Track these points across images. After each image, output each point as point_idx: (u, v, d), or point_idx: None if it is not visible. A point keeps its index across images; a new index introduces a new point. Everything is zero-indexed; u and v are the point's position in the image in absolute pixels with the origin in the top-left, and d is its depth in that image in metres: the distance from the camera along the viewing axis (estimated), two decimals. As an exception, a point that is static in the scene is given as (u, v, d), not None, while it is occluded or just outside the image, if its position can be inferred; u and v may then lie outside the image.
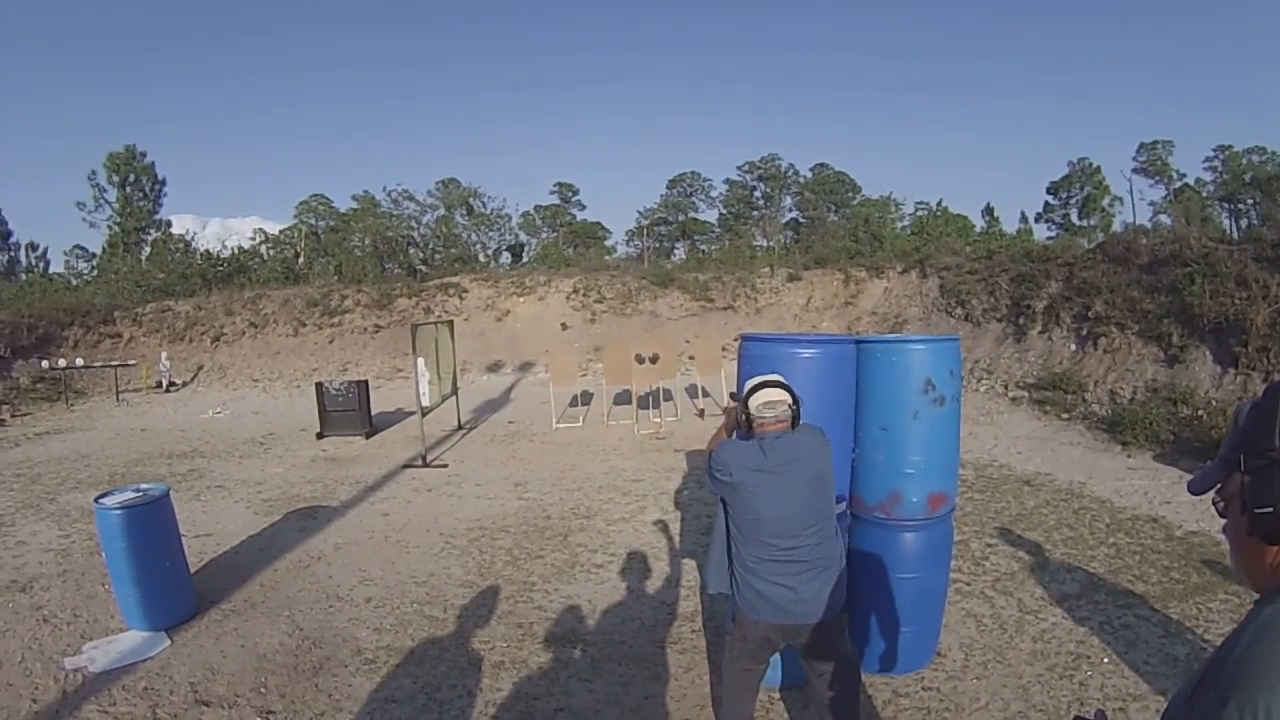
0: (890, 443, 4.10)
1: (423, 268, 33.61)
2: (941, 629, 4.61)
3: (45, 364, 18.72)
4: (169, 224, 43.78)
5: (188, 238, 36.06)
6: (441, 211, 44.06)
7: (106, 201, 42.42)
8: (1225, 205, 55.85)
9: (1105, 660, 4.49)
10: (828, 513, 3.19)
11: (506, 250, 46.59)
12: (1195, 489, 1.42)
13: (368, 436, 12.51)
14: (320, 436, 12.55)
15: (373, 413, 13.17)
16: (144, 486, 5.57)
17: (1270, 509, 1.20)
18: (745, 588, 3.17)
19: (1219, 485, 1.35)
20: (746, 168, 64.15)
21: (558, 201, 64.70)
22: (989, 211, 53.68)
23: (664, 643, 4.90)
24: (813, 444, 3.17)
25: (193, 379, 20.18)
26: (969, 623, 5.06)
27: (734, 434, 3.40)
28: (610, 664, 4.63)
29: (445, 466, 10.21)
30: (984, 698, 4.12)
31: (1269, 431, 1.21)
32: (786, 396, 3.20)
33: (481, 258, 41.26)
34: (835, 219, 53.82)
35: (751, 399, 3.22)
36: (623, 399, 14.31)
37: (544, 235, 58.31)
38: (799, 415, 3.23)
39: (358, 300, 22.42)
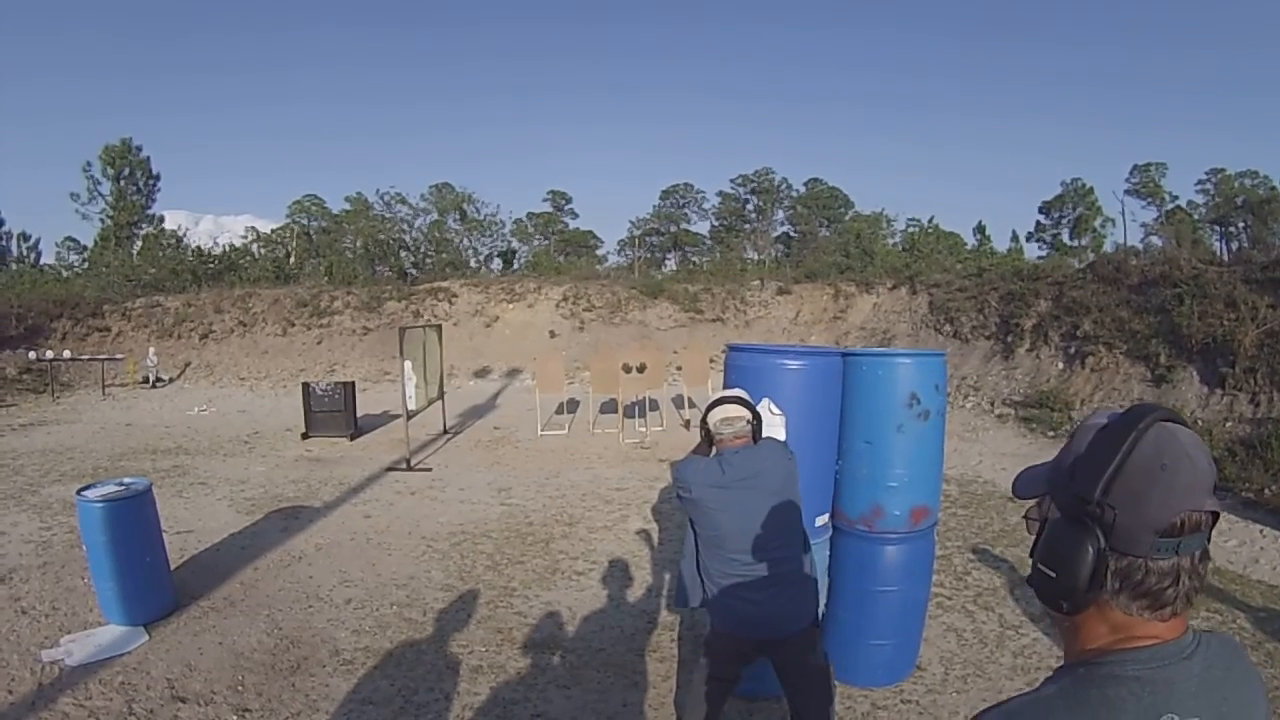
0: (874, 456, 4.11)
1: (413, 271, 33.64)
2: (922, 642, 4.62)
3: (32, 355, 18.68)
4: (162, 219, 43.47)
5: (180, 234, 36.09)
6: (434, 216, 44.10)
7: (100, 194, 42.01)
8: (1216, 228, 56.22)
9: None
10: (793, 528, 3.16)
11: (498, 256, 46.53)
12: (1022, 493, 1.13)
13: (352, 438, 12.47)
14: (305, 437, 12.50)
15: (358, 414, 13.13)
16: (126, 480, 5.54)
17: (1054, 574, 0.98)
18: (713, 601, 3.18)
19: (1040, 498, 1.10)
20: (739, 180, 64.22)
21: (550, 209, 64.65)
22: (980, 230, 53.85)
23: (643, 651, 4.89)
24: (774, 460, 3.15)
25: (180, 375, 20.13)
26: (949, 637, 5.07)
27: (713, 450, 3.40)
28: (588, 671, 4.61)
29: (429, 470, 10.18)
30: (963, 711, 4.12)
31: (1094, 478, 0.97)
32: (745, 412, 3.20)
33: (473, 263, 41.31)
34: (826, 234, 53.94)
35: (710, 415, 3.23)
36: (609, 408, 14.32)
37: (536, 242, 58.26)
38: (759, 431, 3.24)
39: (347, 302, 22.45)
